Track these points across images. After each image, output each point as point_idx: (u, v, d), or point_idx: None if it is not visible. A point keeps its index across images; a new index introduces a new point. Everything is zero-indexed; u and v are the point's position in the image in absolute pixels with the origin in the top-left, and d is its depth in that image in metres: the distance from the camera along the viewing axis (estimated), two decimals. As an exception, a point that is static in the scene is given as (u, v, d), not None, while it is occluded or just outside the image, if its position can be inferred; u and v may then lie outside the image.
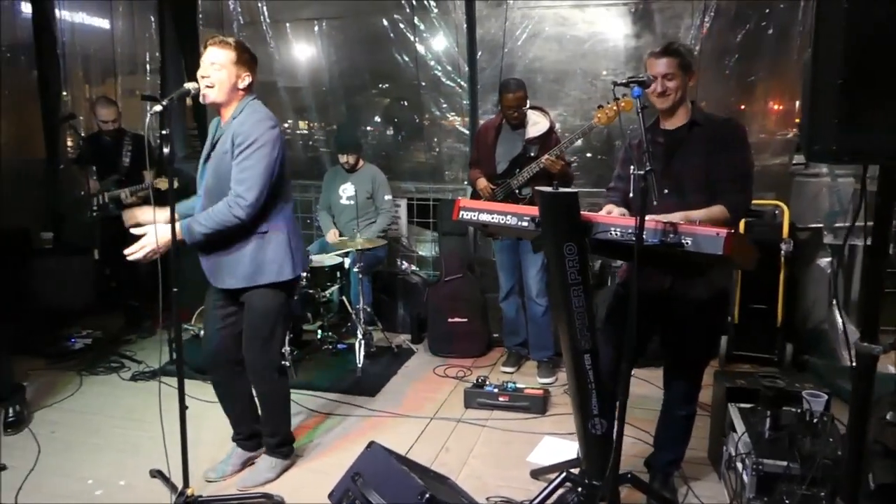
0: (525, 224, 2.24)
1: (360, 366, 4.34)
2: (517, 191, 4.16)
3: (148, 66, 6.00)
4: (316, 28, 5.53)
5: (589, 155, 5.18)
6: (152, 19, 5.87)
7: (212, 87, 2.71)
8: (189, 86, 2.61)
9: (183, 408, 2.73)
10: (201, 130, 5.69)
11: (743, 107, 4.84)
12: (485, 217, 2.35)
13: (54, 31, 5.75)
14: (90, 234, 5.32)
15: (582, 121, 5.01)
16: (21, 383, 3.82)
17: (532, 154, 4.11)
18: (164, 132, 2.45)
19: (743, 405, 2.92)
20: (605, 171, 5.04)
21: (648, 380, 4.02)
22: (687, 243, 1.92)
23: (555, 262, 2.13)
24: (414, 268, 5.53)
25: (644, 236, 1.97)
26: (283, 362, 3.15)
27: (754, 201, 4.51)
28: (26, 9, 5.66)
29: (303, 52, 5.64)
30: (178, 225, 2.71)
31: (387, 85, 5.57)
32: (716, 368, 4.38)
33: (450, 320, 4.77)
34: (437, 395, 4.11)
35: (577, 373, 2.28)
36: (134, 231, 2.72)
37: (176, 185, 4.40)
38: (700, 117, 2.54)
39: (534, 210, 2.22)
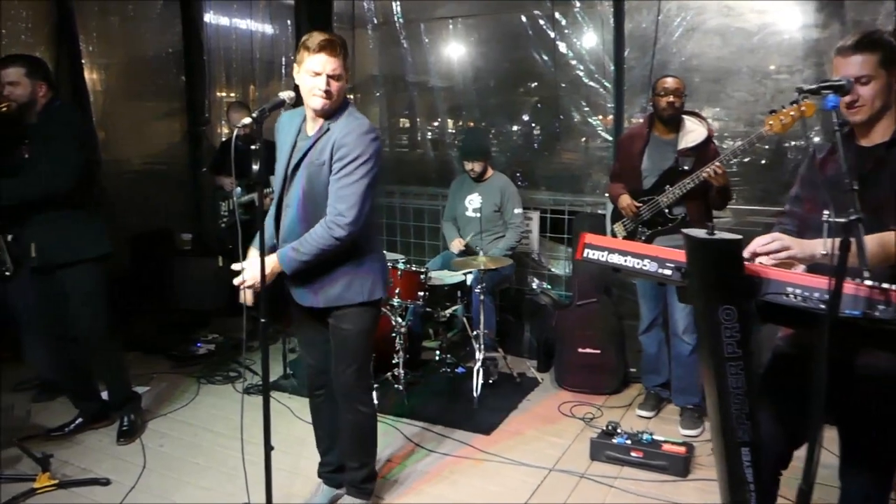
0: (668, 272, 1.73)
1: (476, 397, 3.95)
2: (667, 210, 3.60)
3: (284, 71, 5.99)
4: (451, 27, 5.22)
5: (763, 163, 4.42)
6: (289, 23, 5.84)
7: (331, 97, 2.45)
8: (284, 95, 2.35)
9: (268, 448, 2.48)
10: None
11: None
12: (616, 258, 1.87)
13: (201, 37, 5.89)
14: (221, 237, 5.38)
15: (746, 127, 4.32)
16: (137, 392, 3.80)
17: (686, 167, 3.53)
18: (253, 147, 2.18)
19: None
20: (769, 184, 4.31)
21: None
22: (905, 320, 1.34)
23: (707, 327, 1.62)
24: (545, 285, 5.07)
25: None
26: (372, 386, 2.84)
27: None
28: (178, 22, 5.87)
29: (436, 52, 5.34)
30: (274, 256, 2.51)
31: (523, 86, 5.13)
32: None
33: (580, 350, 4.26)
34: (561, 438, 3.63)
35: (730, 469, 1.74)
36: (234, 267, 2.53)
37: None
38: None
39: (680, 254, 1.71)
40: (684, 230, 1.64)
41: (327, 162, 2.46)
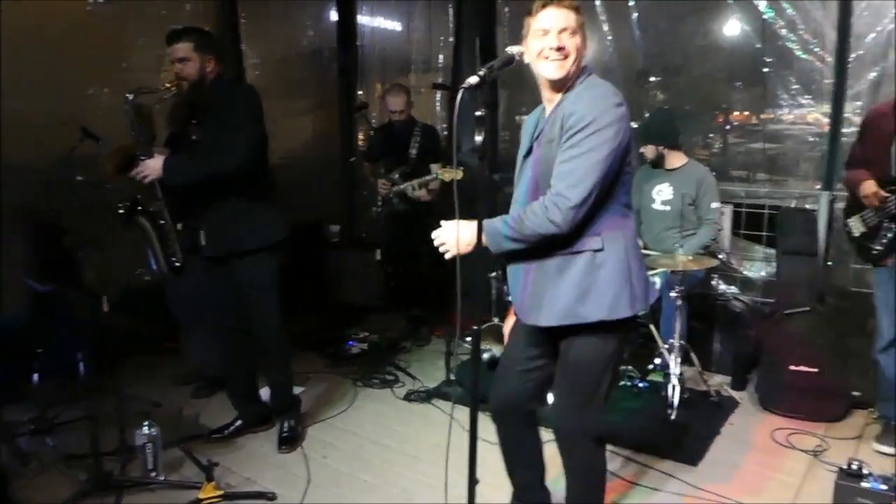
0: None
1: (672, 418, 3.41)
2: (926, 202, 2.91)
3: (441, 61, 5.67)
4: (631, 2, 4.62)
5: None
6: (450, 13, 5.53)
7: (567, 57, 2.01)
8: (514, 49, 1.95)
9: (473, 482, 2.07)
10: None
11: None
12: None
13: (355, 31, 5.78)
14: (376, 229, 5.12)
15: None
16: (297, 396, 3.54)
17: (957, 149, 2.83)
18: (478, 114, 1.79)
19: None
20: None
21: None
22: None
23: None
24: (733, 289, 4.42)
25: None
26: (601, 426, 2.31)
27: None
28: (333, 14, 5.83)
29: (615, 29, 4.72)
30: (484, 225, 2.07)
31: (718, 63, 4.41)
32: None
33: (792, 368, 3.59)
34: (786, 475, 3.03)
35: None
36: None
37: (460, 175, 3.97)
38: None
39: None
40: None
41: (557, 137, 2.01)
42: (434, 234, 2.15)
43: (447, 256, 2.13)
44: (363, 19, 5.87)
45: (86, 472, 2.91)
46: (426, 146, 4.55)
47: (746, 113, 4.44)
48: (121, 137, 3.35)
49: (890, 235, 3.07)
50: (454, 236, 2.06)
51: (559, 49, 1.98)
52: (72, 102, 3.88)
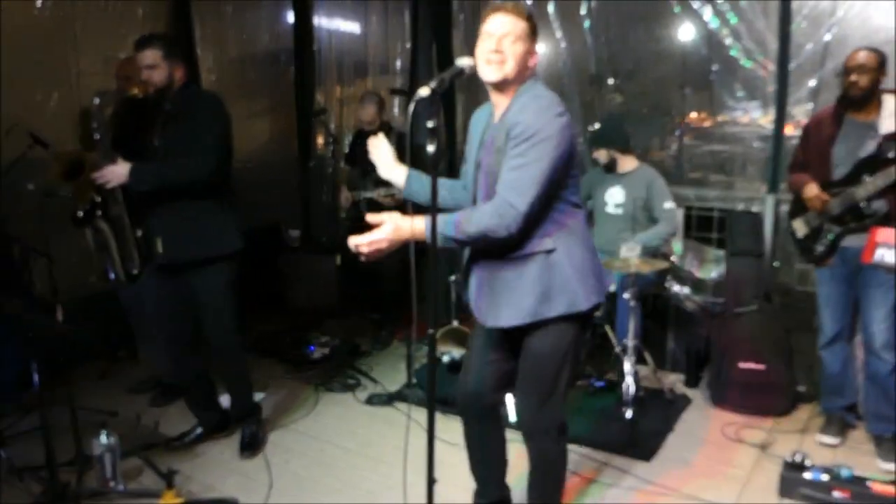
0: None
1: (628, 416, 3.50)
2: (863, 204, 3.05)
3: (399, 64, 5.70)
4: (583, 8, 4.73)
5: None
6: (406, 17, 5.55)
7: (504, 61, 2.07)
8: (463, 62, 1.99)
9: (431, 480, 2.11)
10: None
11: None
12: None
13: (312, 34, 5.73)
14: (339, 234, 5.12)
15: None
16: (258, 403, 3.53)
17: (891, 154, 2.99)
18: (429, 125, 1.83)
19: None
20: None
21: None
22: None
23: None
24: (686, 290, 4.55)
25: None
26: (563, 419, 2.40)
27: None
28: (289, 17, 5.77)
29: (568, 34, 4.84)
30: (421, 221, 2.11)
31: (666, 70, 4.57)
32: None
33: (741, 365, 3.73)
34: (735, 468, 3.14)
35: None
36: (371, 219, 2.15)
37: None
38: None
39: None
40: None
41: (503, 146, 2.08)
42: (366, 237, 2.09)
43: (376, 256, 2.11)
44: (320, 21, 5.82)
45: (41, 485, 2.86)
46: (399, 155, 4.57)
47: (700, 115, 4.59)
48: (71, 143, 3.30)
49: (831, 236, 3.21)
50: (389, 234, 2.08)
51: (496, 52, 2.05)
52: (19, 107, 3.79)
